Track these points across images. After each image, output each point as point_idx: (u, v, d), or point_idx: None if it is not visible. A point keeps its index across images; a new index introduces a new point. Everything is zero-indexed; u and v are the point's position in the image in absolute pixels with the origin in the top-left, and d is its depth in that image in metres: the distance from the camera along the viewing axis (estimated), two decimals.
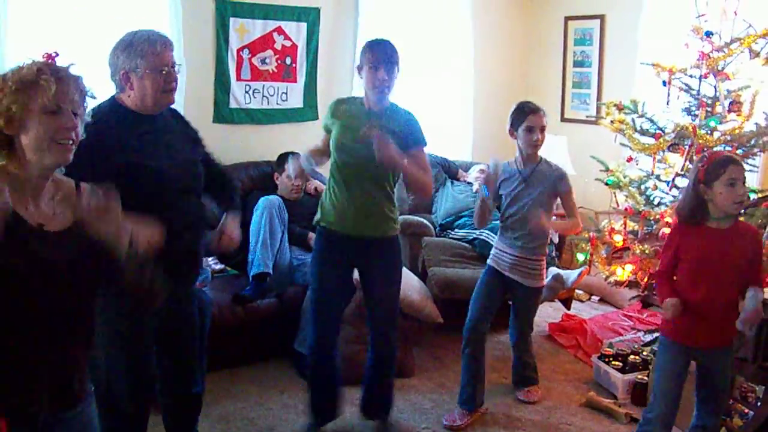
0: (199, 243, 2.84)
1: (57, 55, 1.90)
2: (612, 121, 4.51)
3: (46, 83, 1.82)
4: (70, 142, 1.87)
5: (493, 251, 3.97)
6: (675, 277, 3.11)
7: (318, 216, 3.51)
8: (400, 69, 3.36)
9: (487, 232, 5.04)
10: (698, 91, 4.30)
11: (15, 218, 1.80)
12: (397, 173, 3.43)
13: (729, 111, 4.17)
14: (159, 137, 2.71)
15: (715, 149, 4.13)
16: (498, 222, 5.13)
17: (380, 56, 3.30)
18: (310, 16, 5.55)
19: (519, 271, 3.85)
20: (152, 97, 2.63)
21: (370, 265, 3.54)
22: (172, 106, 2.85)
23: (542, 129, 3.77)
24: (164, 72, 2.62)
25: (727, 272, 3.00)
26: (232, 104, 5.29)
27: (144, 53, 2.58)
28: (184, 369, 3.01)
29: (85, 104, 1.93)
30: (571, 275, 4.77)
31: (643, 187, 4.50)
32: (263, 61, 5.37)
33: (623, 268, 4.39)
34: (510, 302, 4.10)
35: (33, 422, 1.86)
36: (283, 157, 4.95)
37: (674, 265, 3.10)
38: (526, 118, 3.75)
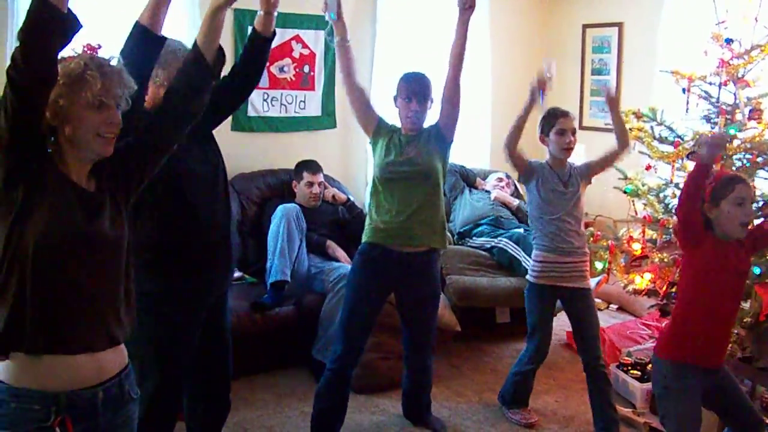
0: (230, 237, 2.90)
1: (100, 47, 1.93)
2: (630, 129, 4.48)
3: (92, 79, 1.85)
4: (113, 135, 1.92)
5: (540, 267, 3.81)
6: (687, 295, 3.03)
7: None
8: (433, 101, 3.57)
9: (505, 240, 5.03)
10: (718, 98, 4.27)
11: (67, 181, 1.91)
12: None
13: (749, 119, 4.14)
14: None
15: (735, 157, 4.11)
16: (518, 230, 5.15)
17: (414, 89, 3.50)
18: (328, 24, 5.55)
19: (575, 276, 3.79)
20: None
21: None
22: None
23: (573, 132, 3.80)
24: None
25: (732, 283, 2.94)
26: (251, 112, 5.31)
27: (165, 64, 2.61)
28: (220, 375, 3.04)
29: (128, 96, 1.95)
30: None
31: (661, 195, 4.47)
32: (281, 69, 5.40)
33: (642, 277, 4.37)
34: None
35: (93, 405, 1.90)
36: (301, 166, 4.97)
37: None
38: (556, 121, 3.78)
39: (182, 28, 4.78)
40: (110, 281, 1.96)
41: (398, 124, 3.60)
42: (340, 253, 4.72)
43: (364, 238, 3.56)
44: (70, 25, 1.78)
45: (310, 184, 4.89)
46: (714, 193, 2.89)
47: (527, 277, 3.92)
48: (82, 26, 1.82)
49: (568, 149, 3.79)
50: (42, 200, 1.83)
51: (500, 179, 5.81)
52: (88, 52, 1.93)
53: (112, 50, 1.98)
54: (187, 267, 2.72)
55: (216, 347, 2.97)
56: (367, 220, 3.58)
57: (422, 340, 3.76)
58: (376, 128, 3.59)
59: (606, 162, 3.91)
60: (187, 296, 2.75)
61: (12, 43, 4.22)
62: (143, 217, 2.56)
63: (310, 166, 4.96)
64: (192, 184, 2.72)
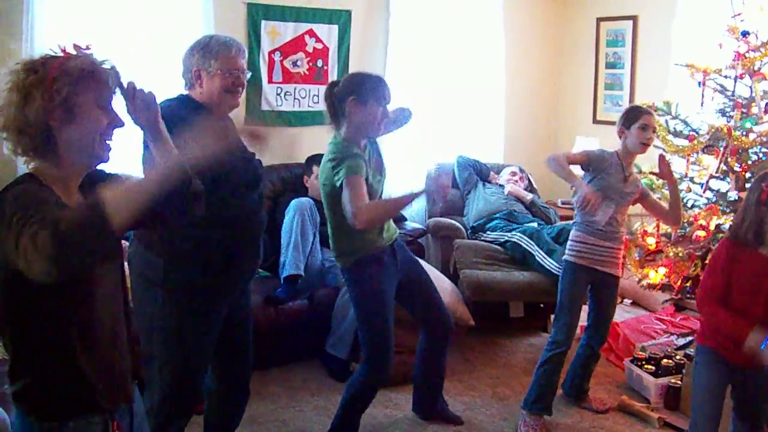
0: (261, 235, 2.96)
1: (89, 48, 1.79)
2: None
3: (105, 78, 1.77)
4: (112, 140, 1.81)
5: (578, 248, 3.84)
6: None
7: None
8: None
9: (518, 234, 5.02)
10: (733, 91, 4.25)
11: None
12: None
13: (765, 112, 4.12)
14: (228, 133, 2.82)
15: (750, 151, 4.09)
16: (532, 225, 5.13)
17: (388, 93, 3.30)
18: (342, 19, 5.56)
19: (612, 262, 3.85)
20: (218, 95, 2.79)
21: None
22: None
23: (654, 130, 3.82)
24: (233, 75, 2.78)
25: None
26: (264, 106, 5.32)
27: (218, 55, 2.76)
28: (245, 361, 3.08)
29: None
30: None
31: None
32: (295, 64, 5.40)
33: (656, 271, 4.35)
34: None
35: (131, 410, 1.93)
36: (310, 160, 4.99)
37: (726, 290, 2.94)
38: (642, 116, 3.78)
39: (196, 25, 4.78)
40: (116, 294, 1.93)
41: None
42: None
43: (358, 255, 3.36)
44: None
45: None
46: None
47: (564, 256, 3.93)
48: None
49: (647, 144, 3.78)
50: None
51: (513, 173, 5.79)
52: (79, 52, 1.78)
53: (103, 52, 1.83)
54: (225, 260, 2.78)
55: (239, 336, 3.01)
56: (349, 244, 3.36)
57: (434, 298, 3.70)
58: None
59: (654, 210, 4.01)
60: (221, 287, 2.82)
61: (28, 38, 4.22)
62: None
63: (318, 160, 4.98)
64: (235, 180, 2.77)
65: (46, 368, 1.76)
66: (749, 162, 4.16)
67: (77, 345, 1.76)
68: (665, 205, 3.99)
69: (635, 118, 3.78)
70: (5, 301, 1.72)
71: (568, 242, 3.93)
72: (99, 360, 1.81)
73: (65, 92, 1.69)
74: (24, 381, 1.76)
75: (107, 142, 1.79)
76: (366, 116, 3.24)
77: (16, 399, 1.78)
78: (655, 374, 4.23)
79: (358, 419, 3.59)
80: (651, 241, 4.40)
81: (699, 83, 4.29)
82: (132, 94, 1.90)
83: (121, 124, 1.82)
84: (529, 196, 5.61)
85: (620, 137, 3.85)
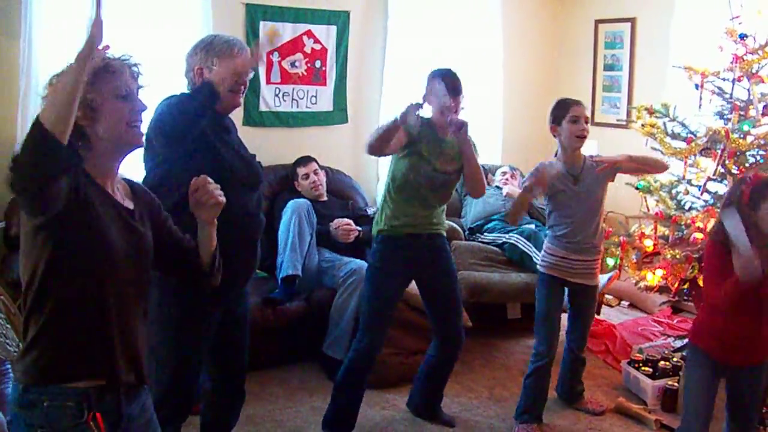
0: (259, 236, 2.95)
1: (108, 47, 1.90)
2: (643, 125, 4.48)
3: (119, 68, 1.93)
4: (141, 123, 1.96)
5: (549, 259, 3.78)
6: (712, 298, 3.00)
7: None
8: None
9: (516, 236, 5.02)
10: (731, 94, 4.26)
11: (107, 196, 1.93)
12: None
13: (763, 114, 4.13)
14: (228, 133, 2.89)
15: (748, 153, 4.09)
16: (530, 226, 5.14)
17: (456, 86, 3.48)
18: (340, 20, 5.56)
19: (584, 273, 3.78)
20: (221, 95, 2.74)
21: None
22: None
23: (586, 120, 3.71)
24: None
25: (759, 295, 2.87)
26: (262, 107, 5.32)
27: (221, 53, 2.75)
28: (240, 362, 3.07)
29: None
30: (600, 280, 4.72)
31: (674, 191, 4.46)
32: (293, 65, 5.40)
33: (653, 273, 4.35)
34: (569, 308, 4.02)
35: (117, 400, 1.91)
36: (294, 165, 5.03)
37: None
38: (570, 109, 3.68)
39: (195, 25, 4.77)
40: (138, 297, 1.99)
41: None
42: (343, 221, 4.76)
43: (384, 227, 3.55)
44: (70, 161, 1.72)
45: (306, 176, 4.97)
46: (753, 197, 2.83)
47: (538, 265, 3.92)
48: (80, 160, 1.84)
49: (582, 137, 3.68)
50: (86, 218, 1.83)
51: (504, 173, 5.80)
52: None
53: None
54: (223, 260, 2.77)
55: (235, 336, 3.00)
56: (387, 212, 3.55)
57: (453, 312, 3.74)
58: (408, 140, 3.45)
59: (639, 171, 4.00)
60: (217, 288, 2.78)
61: (27, 37, 4.21)
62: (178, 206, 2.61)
63: (300, 161, 5.07)
64: (235, 180, 2.76)
65: (33, 329, 1.84)
66: (747, 164, 4.17)
67: (62, 317, 1.83)
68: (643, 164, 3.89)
69: (564, 111, 3.69)
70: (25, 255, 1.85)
71: (542, 252, 3.89)
72: (86, 340, 1.86)
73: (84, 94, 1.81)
74: (27, 342, 1.85)
75: (135, 127, 1.94)
76: (432, 112, 3.54)
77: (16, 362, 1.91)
78: (652, 376, 4.23)
79: (353, 408, 3.63)
80: (648, 243, 4.40)
81: (697, 86, 4.30)
82: (193, 191, 2.09)
83: (144, 108, 1.97)
84: None
85: (554, 136, 3.76)
